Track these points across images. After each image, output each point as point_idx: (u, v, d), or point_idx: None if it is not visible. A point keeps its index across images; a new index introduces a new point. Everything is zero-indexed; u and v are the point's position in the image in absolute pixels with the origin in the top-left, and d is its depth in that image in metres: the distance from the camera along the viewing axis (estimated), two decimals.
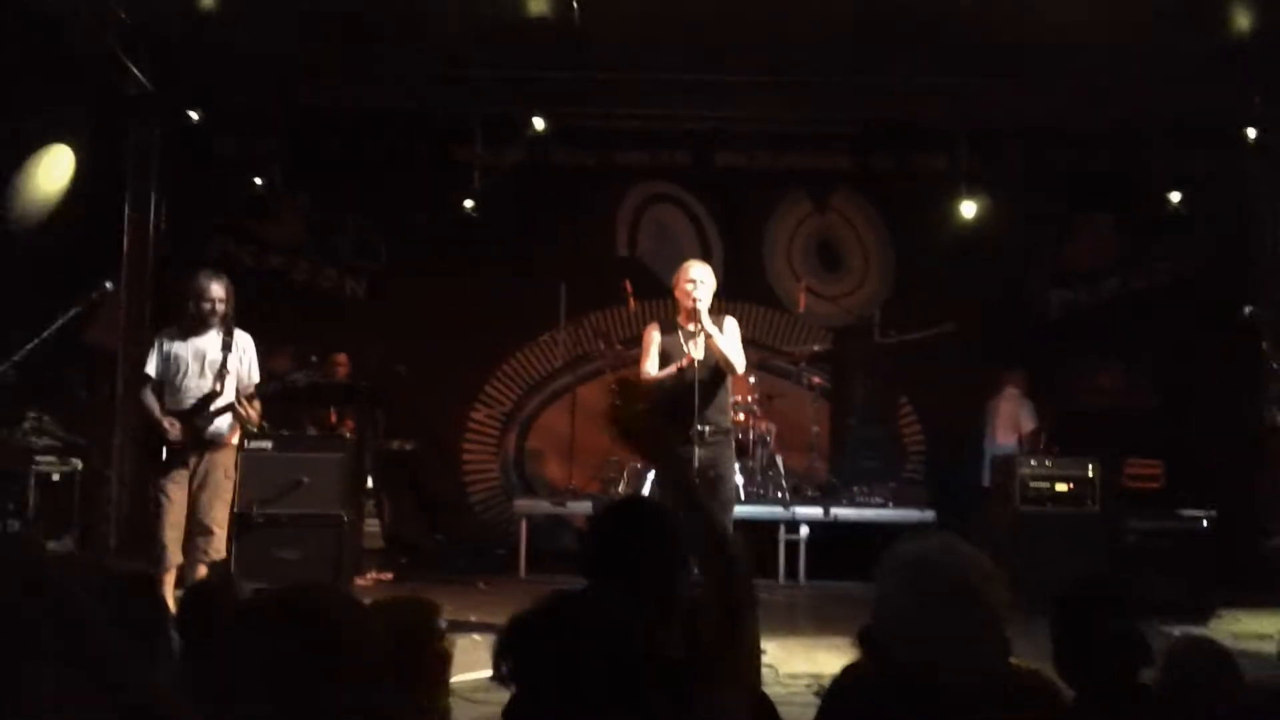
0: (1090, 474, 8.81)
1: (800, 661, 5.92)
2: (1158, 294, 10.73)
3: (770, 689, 3.69)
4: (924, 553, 2.38)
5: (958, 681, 2.23)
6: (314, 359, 8.80)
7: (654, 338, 6.94)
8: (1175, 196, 10.10)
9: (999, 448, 10.10)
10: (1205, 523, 8.44)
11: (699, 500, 2.76)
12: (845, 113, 9.80)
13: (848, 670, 2.56)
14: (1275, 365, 6.96)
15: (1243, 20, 7.90)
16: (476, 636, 6.93)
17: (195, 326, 7.03)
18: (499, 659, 2.11)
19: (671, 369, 6.72)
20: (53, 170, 8.61)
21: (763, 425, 9.97)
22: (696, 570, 2.78)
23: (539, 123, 9.45)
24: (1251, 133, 8.81)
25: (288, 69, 9.09)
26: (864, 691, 2.48)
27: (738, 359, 6.78)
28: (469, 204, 10.11)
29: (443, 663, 3.00)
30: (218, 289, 7.05)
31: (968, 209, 10.00)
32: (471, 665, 5.73)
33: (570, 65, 8.88)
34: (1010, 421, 10.21)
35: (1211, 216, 10.16)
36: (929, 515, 9.68)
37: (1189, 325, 10.00)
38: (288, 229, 10.87)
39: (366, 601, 3.14)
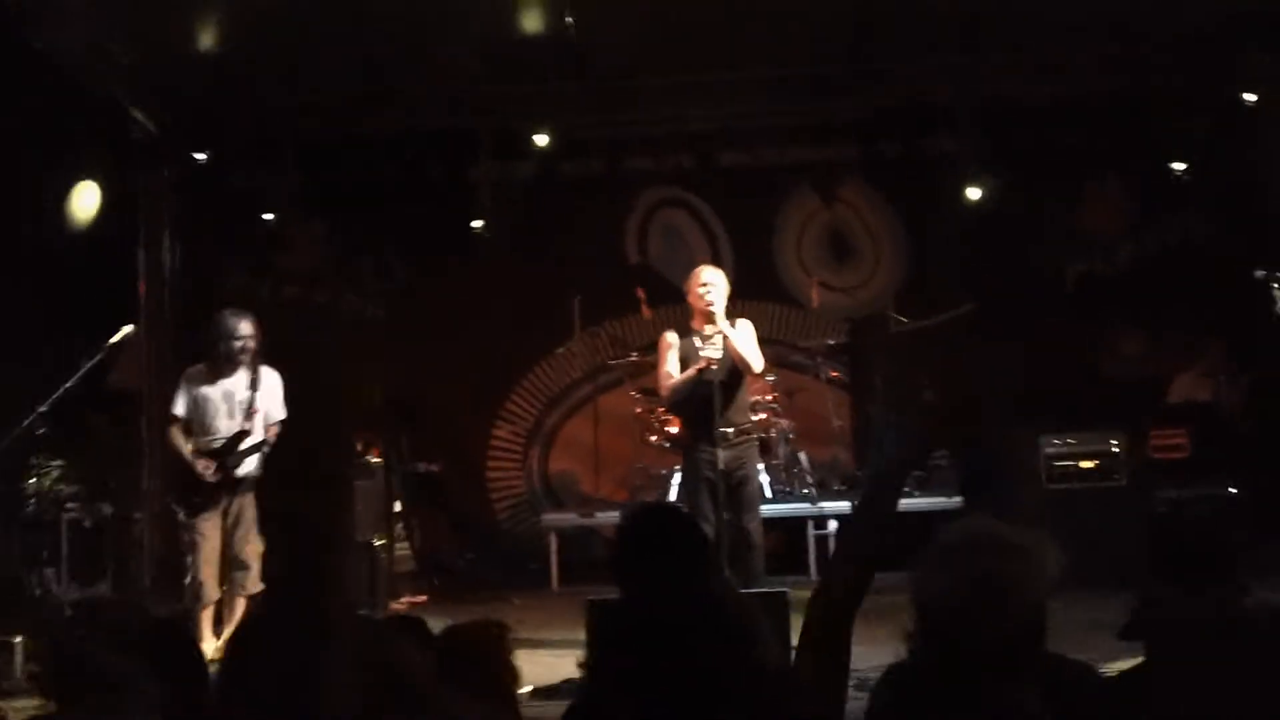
0: (1115, 448, 8.79)
1: None
2: (1173, 258, 10.65)
3: None
4: (965, 534, 2.40)
5: (997, 659, 2.24)
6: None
7: (671, 342, 6.98)
8: (1181, 163, 10.08)
9: None
10: (1233, 489, 8.40)
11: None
12: (848, 101, 9.79)
13: (894, 667, 2.58)
14: None
15: None
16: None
17: (223, 367, 7.07)
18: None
19: (690, 372, 6.75)
20: (80, 202, 8.66)
21: (784, 422, 9.98)
22: None
23: (541, 139, 9.48)
24: (1253, 96, 8.78)
25: (295, 102, 9.14)
26: (911, 681, 2.50)
27: (755, 358, 6.82)
28: (478, 223, 10.13)
29: (513, 678, 3.13)
30: (246, 327, 7.10)
31: (977, 189, 9.96)
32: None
33: (570, 76, 8.91)
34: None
35: (1220, 179, 10.12)
36: (956, 501, 9.65)
37: (1206, 288, 9.91)
38: (304, 258, 10.90)
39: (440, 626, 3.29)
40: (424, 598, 9.41)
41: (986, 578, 2.29)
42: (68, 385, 6.86)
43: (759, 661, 2.49)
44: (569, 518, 10.23)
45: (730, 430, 6.73)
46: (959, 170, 10.05)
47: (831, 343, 10.77)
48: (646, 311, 10.03)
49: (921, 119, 10.40)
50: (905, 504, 9.82)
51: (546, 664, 5.38)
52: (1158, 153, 10.21)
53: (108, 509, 8.42)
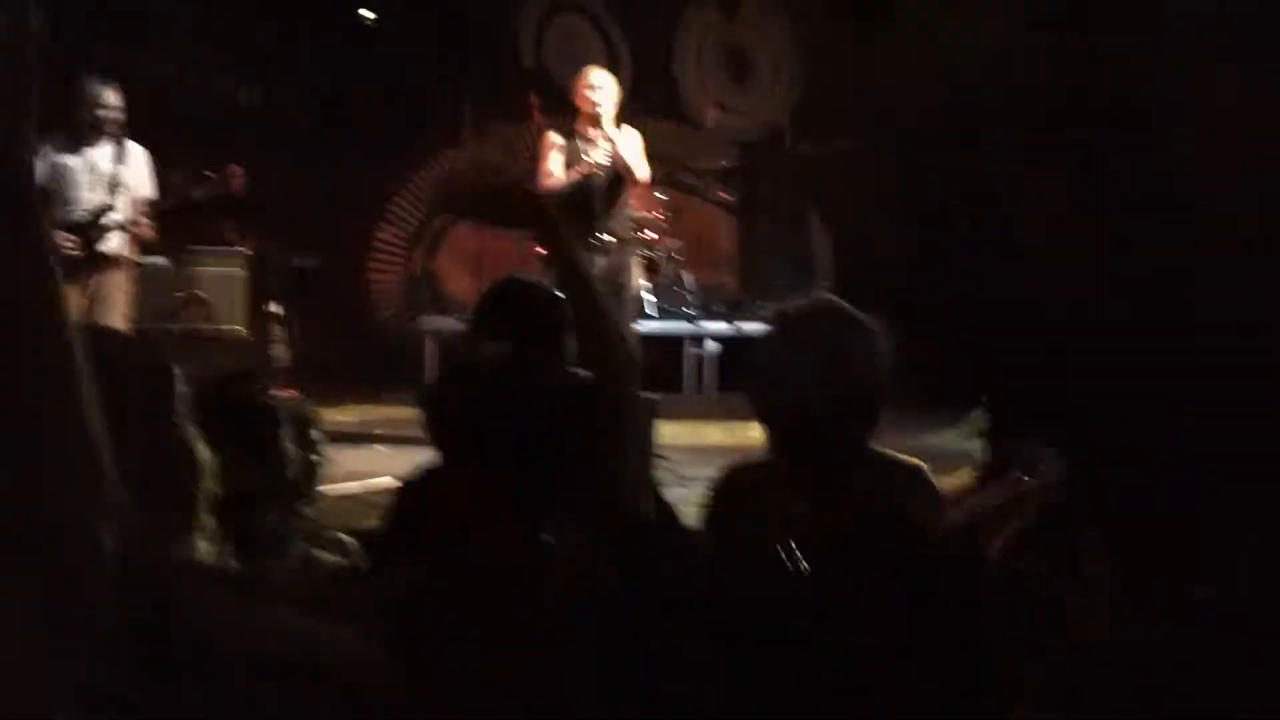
0: None
1: (701, 465, 5.98)
2: None
3: (671, 490, 3.72)
4: (802, 311, 2.37)
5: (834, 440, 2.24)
6: (208, 173, 8.51)
7: (555, 143, 6.86)
8: None
9: None
10: None
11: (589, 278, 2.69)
12: None
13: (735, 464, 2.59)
14: None
15: None
16: (380, 448, 7.06)
17: (86, 136, 6.74)
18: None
19: (572, 174, 6.66)
20: None
21: (670, 241, 9.91)
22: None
23: None
24: None
25: None
26: (746, 478, 2.51)
27: (640, 168, 6.74)
28: (367, 14, 9.74)
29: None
30: (111, 96, 6.75)
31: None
32: (375, 473, 5.86)
33: None
34: None
35: None
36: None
37: None
38: (179, 35, 10.39)
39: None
40: (296, 392, 9.27)
41: (832, 344, 2.26)
42: None
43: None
44: (448, 322, 10.12)
45: (607, 238, 6.67)
46: None
47: (724, 164, 10.67)
48: (539, 117, 9.79)
49: None
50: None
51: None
52: None
53: None
